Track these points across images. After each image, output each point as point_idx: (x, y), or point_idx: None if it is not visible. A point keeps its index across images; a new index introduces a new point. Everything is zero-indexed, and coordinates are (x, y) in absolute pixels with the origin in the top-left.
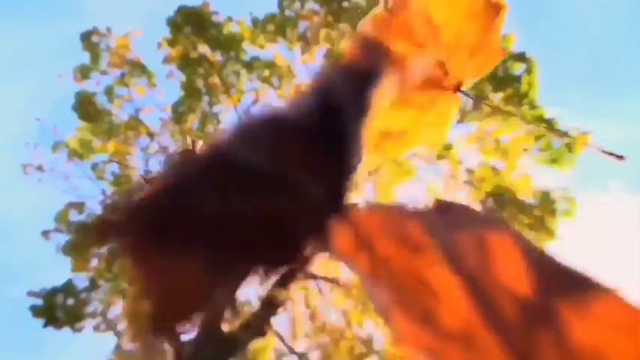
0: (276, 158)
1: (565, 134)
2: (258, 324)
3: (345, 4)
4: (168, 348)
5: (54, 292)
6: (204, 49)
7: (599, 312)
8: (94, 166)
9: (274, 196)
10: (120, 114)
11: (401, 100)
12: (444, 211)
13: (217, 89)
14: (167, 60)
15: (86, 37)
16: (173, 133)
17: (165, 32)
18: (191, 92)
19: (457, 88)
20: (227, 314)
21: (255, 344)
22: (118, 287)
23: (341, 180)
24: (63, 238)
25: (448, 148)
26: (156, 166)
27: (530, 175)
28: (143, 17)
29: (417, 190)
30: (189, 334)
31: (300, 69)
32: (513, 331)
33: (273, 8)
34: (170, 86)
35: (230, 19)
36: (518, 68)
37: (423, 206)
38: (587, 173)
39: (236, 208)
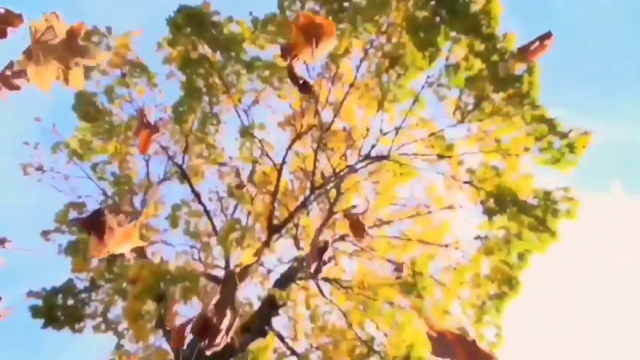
0: None
1: (566, 135)
2: (259, 324)
3: (345, 4)
4: (168, 348)
5: (54, 292)
6: (204, 49)
7: None
8: (94, 167)
9: None
10: (120, 114)
11: None
12: None
13: (217, 89)
14: (167, 60)
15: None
16: (173, 133)
17: (166, 32)
18: (191, 92)
19: None
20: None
21: (256, 345)
22: (118, 288)
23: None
24: (63, 238)
25: (449, 148)
26: (156, 166)
27: (532, 176)
28: (143, 17)
29: (418, 191)
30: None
31: (300, 69)
32: None
33: (274, 8)
34: (170, 86)
35: (230, 19)
36: (519, 68)
37: None
38: (588, 173)
39: None
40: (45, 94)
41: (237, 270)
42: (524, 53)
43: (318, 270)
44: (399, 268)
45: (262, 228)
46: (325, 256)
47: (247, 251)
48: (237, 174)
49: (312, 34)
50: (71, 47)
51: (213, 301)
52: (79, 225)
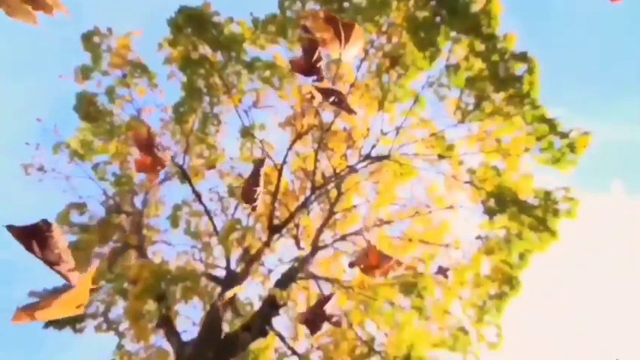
0: None
1: (566, 134)
2: (260, 324)
3: (346, 4)
4: (169, 348)
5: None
6: (205, 49)
7: None
8: (95, 167)
9: None
10: (121, 114)
11: None
12: None
13: (218, 90)
14: (168, 60)
15: (87, 38)
16: (174, 133)
17: (166, 33)
18: (192, 92)
19: None
20: (228, 315)
21: (257, 344)
22: (118, 287)
23: None
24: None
25: (450, 148)
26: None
27: (532, 176)
28: (144, 18)
29: (419, 190)
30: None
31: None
32: None
33: (274, 9)
34: (171, 87)
35: (231, 19)
36: (519, 68)
37: None
38: (588, 173)
39: None
40: (37, 25)
41: (220, 303)
42: None
43: (316, 328)
44: (443, 271)
45: (263, 228)
46: (327, 307)
47: (238, 288)
48: (261, 161)
49: (338, 31)
50: None
51: None
52: (13, 234)
